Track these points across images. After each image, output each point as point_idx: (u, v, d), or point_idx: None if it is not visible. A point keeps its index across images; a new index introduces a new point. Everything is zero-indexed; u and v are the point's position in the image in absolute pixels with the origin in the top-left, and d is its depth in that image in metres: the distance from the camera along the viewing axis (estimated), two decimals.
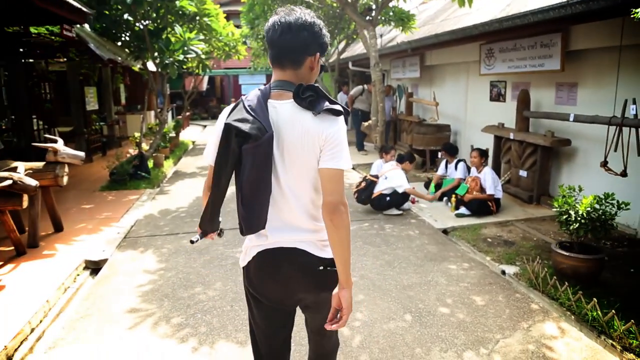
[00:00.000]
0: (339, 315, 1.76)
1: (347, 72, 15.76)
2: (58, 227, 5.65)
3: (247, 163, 1.63)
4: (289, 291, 1.84)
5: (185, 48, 8.62)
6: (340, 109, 1.69)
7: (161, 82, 11.35)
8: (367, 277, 4.30)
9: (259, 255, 1.81)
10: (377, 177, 6.49)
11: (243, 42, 15.56)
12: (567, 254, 4.07)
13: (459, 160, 7.13)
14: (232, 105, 1.75)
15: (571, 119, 5.67)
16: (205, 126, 20.96)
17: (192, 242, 1.92)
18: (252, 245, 1.82)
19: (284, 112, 1.70)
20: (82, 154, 5.54)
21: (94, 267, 4.77)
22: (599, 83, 5.94)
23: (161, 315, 3.66)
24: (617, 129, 4.74)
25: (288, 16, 1.71)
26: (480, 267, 4.60)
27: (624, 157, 4.67)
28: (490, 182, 6.15)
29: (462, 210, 6.24)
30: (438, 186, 7.17)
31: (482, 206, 6.14)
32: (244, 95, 1.78)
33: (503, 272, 4.54)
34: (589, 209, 3.95)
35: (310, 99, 1.67)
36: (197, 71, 12.65)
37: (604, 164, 4.93)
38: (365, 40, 8.66)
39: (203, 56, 11.03)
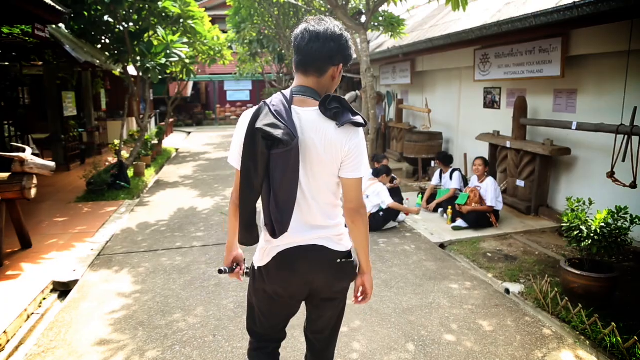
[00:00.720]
0: (360, 292, 2.03)
1: None
2: (26, 244, 5.20)
3: (278, 168, 1.69)
4: (308, 285, 1.93)
5: (168, 51, 8.23)
6: (362, 121, 1.76)
7: (143, 87, 10.90)
8: None
9: (280, 255, 1.87)
10: None
11: (229, 46, 15.26)
12: (578, 272, 3.77)
13: (453, 170, 6.84)
14: (254, 109, 1.76)
15: (573, 127, 5.41)
16: (189, 133, 20.46)
17: (220, 272, 2.03)
18: (273, 246, 1.87)
19: (308, 119, 1.77)
20: (52, 164, 5.11)
21: (63, 289, 4.34)
22: (600, 90, 5.70)
23: (135, 347, 3.25)
24: (626, 138, 4.48)
25: (318, 25, 1.78)
26: (483, 286, 4.28)
27: (633, 168, 4.40)
28: (492, 193, 5.85)
29: (459, 222, 5.93)
30: (432, 197, 6.87)
31: (481, 218, 5.84)
32: (264, 100, 1.80)
33: (507, 291, 4.23)
34: (602, 224, 3.66)
35: (335, 110, 1.74)
36: (181, 76, 12.27)
37: (611, 174, 4.67)
38: (355, 44, 8.36)
39: (187, 60, 10.70)
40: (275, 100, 1.77)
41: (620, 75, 5.26)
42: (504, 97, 7.67)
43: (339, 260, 1.91)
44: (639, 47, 4.64)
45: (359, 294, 2.04)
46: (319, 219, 1.86)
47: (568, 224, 3.90)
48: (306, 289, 1.95)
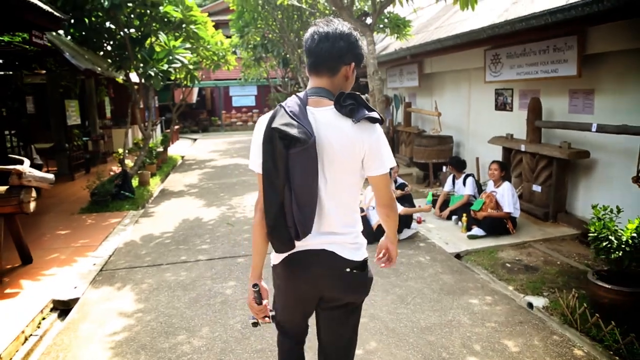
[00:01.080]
0: (383, 253, 2.09)
1: None
2: (26, 259, 5.02)
3: (296, 167, 1.69)
4: (316, 290, 1.89)
5: (170, 57, 8.06)
6: (378, 116, 1.75)
7: (146, 94, 10.75)
8: (378, 317, 3.72)
9: (289, 257, 1.85)
10: (362, 210, 5.89)
11: (233, 51, 15.13)
12: (608, 286, 3.53)
13: (467, 175, 6.59)
14: (270, 113, 1.77)
15: (593, 129, 5.17)
16: (195, 139, 20.32)
17: (254, 324, 2.01)
18: None
19: (323, 118, 1.76)
20: (51, 176, 4.93)
21: (63, 308, 4.15)
22: (620, 89, 5.45)
23: None
24: None
25: (326, 26, 1.79)
26: (505, 300, 4.04)
27: None
28: (509, 198, 5.60)
29: (475, 231, 5.68)
30: (445, 203, 6.63)
31: (497, 225, 5.60)
32: (279, 103, 1.81)
33: (530, 305, 3.99)
34: (634, 234, 3.42)
35: (350, 107, 1.73)
36: (185, 82, 12.14)
37: (637, 179, 4.42)
38: None
39: (191, 66, 10.57)
40: (291, 102, 1.78)
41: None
42: (516, 99, 7.42)
43: (348, 270, 1.85)
44: None
45: (381, 255, 2.09)
46: (334, 224, 1.82)
47: (595, 234, 3.66)
48: (315, 294, 1.91)
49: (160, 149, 12.27)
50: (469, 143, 8.97)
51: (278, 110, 1.74)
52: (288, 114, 1.70)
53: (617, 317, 3.42)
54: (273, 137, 1.68)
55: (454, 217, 6.32)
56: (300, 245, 1.82)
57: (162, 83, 8.05)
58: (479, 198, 5.94)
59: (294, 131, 1.65)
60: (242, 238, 5.83)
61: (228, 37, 15.37)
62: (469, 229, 5.81)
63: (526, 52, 6.42)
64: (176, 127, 18.94)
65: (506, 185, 5.72)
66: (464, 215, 5.91)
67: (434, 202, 6.81)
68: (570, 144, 5.86)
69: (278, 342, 2.16)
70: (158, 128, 16.98)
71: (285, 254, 1.84)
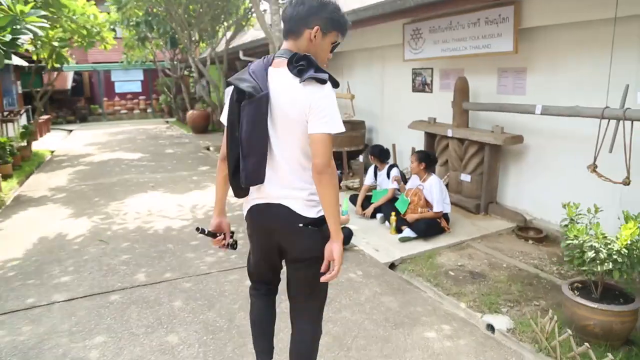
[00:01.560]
0: (331, 266, 1.97)
1: (237, 65, 13.78)
2: None
3: (244, 118, 1.83)
4: (274, 241, 2.02)
5: (17, 26, 6.23)
6: (326, 77, 1.79)
7: None
8: None
9: (252, 209, 2.02)
10: None
11: (112, 28, 13.24)
12: (594, 306, 2.83)
13: (391, 166, 5.77)
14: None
15: (537, 111, 4.55)
16: (71, 131, 17.62)
17: (198, 230, 2.07)
18: (250, 198, 2.03)
19: (278, 78, 1.87)
20: None
21: None
22: (555, 67, 4.93)
23: None
24: (616, 124, 3.65)
25: None
26: (466, 328, 3.21)
27: (627, 160, 3.57)
28: (438, 195, 4.83)
29: (407, 232, 4.85)
30: (367, 199, 5.77)
31: (431, 226, 4.84)
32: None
33: (490, 328, 3.24)
34: (629, 241, 2.73)
35: (300, 67, 1.80)
36: (50, 63, 10.09)
37: (594, 168, 3.83)
38: (262, 19, 7.00)
39: (55, 43, 8.64)
40: (256, 62, 1.92)
41: (581, 50, 4.57)
42: (436, 79, 6.76)
43: (301, 225, 1.92)
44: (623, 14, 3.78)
45: (327, 269, 1.96)
46: (289, 180, 1.91)
47: (572, 241, 2.94)
48: (273, 245, 2.03)
49: (24, 144, 10.13)
50: (383, 128, 8.25)
51: (244, 69, 1.90)
52: (248, 72, 1.86)
53: (603, 340, 2.76)
54: (232, 90, 1.87)
55: (379, 215, 5.47)
56: (261, 197, 1.96)
57: (5, 60, 6.18)
58: (405, 197, 5.12)
59: (243, 85, 1.80)
60: (119, 261, 4.42)
61: (108, 13, 13.35)
62: (398, 230, 4.99)
63: (452, 26, 5.70)
64: (46, 117, 16.28)
65: (433, 179, 4.95)
66: (393, 214, 5.08)
67: (352, 198, 5.90)
68: (503, 128, 5.28)
69: (250, 294, 2.30)
70: (23, 118, 14.34)
71: (250, 205, 2.01)
